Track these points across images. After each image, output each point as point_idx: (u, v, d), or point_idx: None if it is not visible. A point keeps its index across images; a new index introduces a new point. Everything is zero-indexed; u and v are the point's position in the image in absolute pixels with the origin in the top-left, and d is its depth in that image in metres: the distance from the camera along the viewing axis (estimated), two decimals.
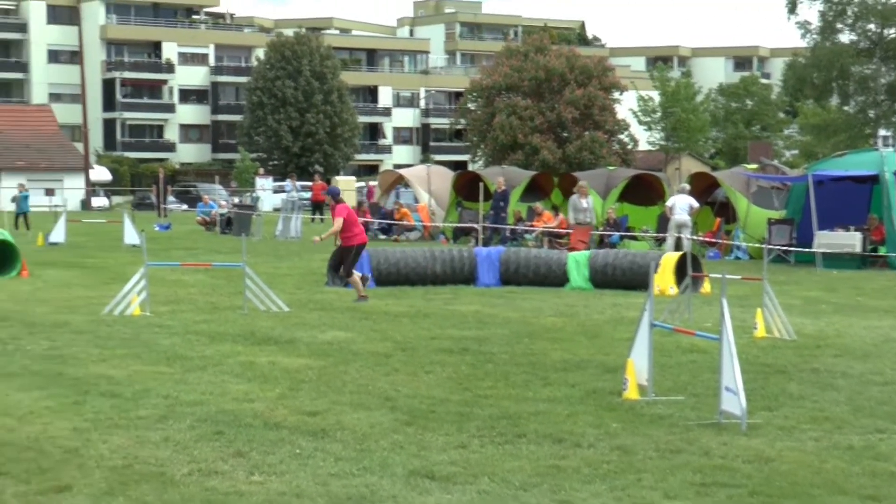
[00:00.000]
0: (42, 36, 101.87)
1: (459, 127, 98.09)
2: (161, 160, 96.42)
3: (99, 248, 33.61)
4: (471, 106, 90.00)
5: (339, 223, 20.60)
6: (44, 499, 7.93)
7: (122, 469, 8.70)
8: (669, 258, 23.03)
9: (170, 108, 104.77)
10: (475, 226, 36.22)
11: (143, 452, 9.23)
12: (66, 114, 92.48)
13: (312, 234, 42.39)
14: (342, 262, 20.88)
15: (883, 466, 9.18)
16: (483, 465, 9.05)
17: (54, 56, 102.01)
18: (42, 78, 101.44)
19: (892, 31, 76.27)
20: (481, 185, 37.54)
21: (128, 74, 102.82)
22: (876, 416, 11.01)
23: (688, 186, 33.94)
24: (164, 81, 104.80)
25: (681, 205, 31.76)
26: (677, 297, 19.33)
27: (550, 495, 8.26)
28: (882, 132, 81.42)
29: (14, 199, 44.56)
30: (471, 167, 77.37)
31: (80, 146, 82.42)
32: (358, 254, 20.93)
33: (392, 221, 41.28)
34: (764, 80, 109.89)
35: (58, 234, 34.94)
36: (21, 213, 42.73)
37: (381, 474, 8.74)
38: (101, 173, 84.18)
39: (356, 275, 20.74)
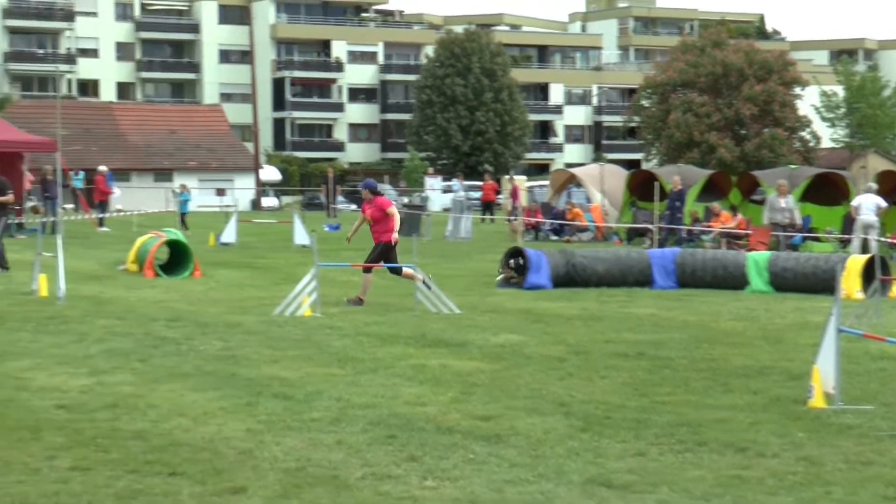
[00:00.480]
0: (213, 36, 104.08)
1: (633, 125, 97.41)
2: (330, 160, 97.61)
3: (269, 248, 34.18)
4: (645, 103, 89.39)
5: (396, 213, 20.24)
6: (219, 500, 8.07)
7: (295, 471, 8.81)
8: (856, 261, 22.56)
9: (339, 108, 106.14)
10: (650, 226, 35.92)
11: (317, 455, 9.34)
12: (237, 113, 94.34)
13: (482, 234, 42.61)
14: (382, 257, 20.11)
15: None
16: (662, 474, 8.95)
17: (225, 56, 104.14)
18: (213, 78, 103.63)
19: None
20: (656, 184, 37.17)
21: (297, 73, 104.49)
22: None
23: (875, 186, 33.17)
24: (334, 80, 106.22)
25: (867, 205, 31.05)
26: (864, 301, 18.92)
27: None
28: None
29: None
30: (645, 166, 76.86)
31: (250, 146, 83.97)
32: (387, 250, 20.21)
33: (564, 222, 41.20)
34: None
35: (229, 234, 35.58)
36: (182, 214, 43.38)
37: (557, 481, 8.71)
38: (270, 173, 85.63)
39: (369, 276, 20.13)
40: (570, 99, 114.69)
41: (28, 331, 16.10)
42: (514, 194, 48.75)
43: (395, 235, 20.16)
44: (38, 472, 8.69)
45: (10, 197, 24.52)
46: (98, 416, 10.54)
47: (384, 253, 20.17)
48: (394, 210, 20.14)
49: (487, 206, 54.31)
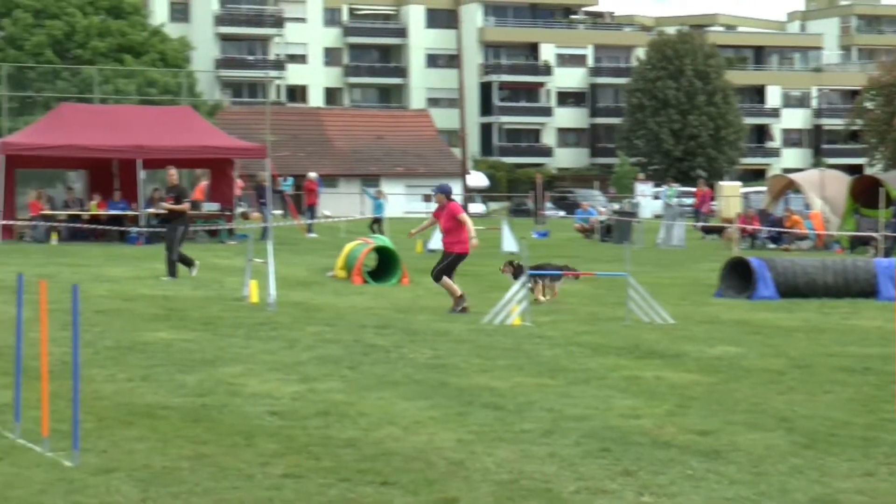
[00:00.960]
0: (421, 40, 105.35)
1: (855, 128, 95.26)
2: (537, 165, 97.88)
3: (478, 255, 34.25)
4: (868, 105, 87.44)
5: (469, 220, 19.87)
6: None
7: (508, 484, 8.82)
8: None
9: (547, 112, 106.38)
10: (875, 234, 35.07)
11: (529, 467, 9.33)
12: (444, 119, 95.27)
13: (695, 242, 42.14)
14: (451, 267, 19.98)
15: None
16: (893, 495, 8.71)
17: (432, 60, 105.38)
18: (420, 83, 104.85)
19: None
20: (882, 190, 36.33)
21: (505, 77, 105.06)
22: None
23: None
24: (542, 84, 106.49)
25: None
26: None
27: None
28: None
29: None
30: (868, 171, 75.06)
31: (457, 151, 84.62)
32: (456, 262, 20.06)
33: (782, 229, 40.51)
34: None
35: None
36: (377, 220, 43.31)
37: (781, 500, 8.54)
38: (478, 179, 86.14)
39: (447, 281, 19.84)
40: (788, 101, 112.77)
41: (239, 336, 16.48)
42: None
43: (475, 242, 20.03)
44: (252, 478, 8.87)
45: (185, 206, 25.09)
46: (309, 423, 10.71)
47: (454, 264, 20.06)
48: (465, 217, 19.85)
49: (699, 214, 53.73)
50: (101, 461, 9.24)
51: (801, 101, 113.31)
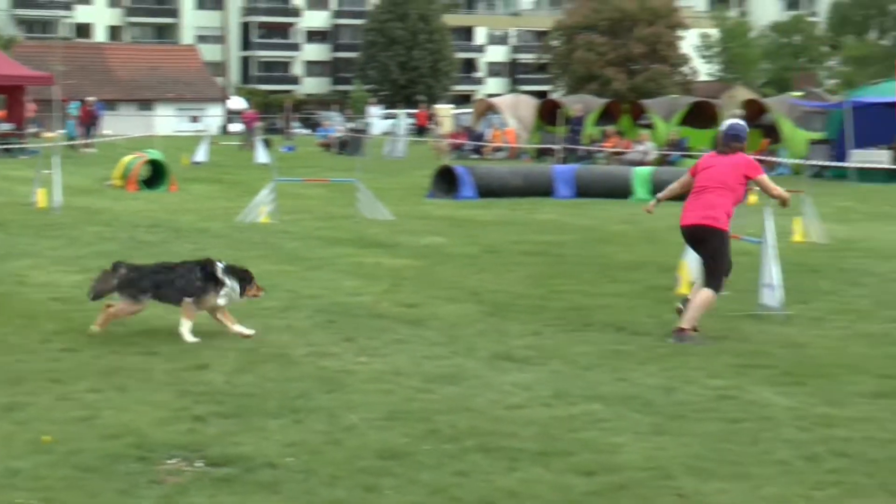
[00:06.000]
0: None
1: (544, 61, 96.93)
2: (288, 92, 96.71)
3: (235, 166, 33.92)
4: (554, 43, 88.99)
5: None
6: (187, 374, 8.09)
7: (250, 351, 8.84)
8: None
9: (296, 47, 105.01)
10: (555, 146, 35.99)
11: (269, 337, 9.38)
12: (210, 52, 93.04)
13: (415, 154, 42.43)
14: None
15: None
16: (554, 350, 9.08)
17: (201, 2, 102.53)
18: (191, 22, 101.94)
19: None
20: (560, 111, 37.26)
21: (262, 18, 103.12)
22: (894, 308, 10.86)
23: (740, 112, 33.43)
24: (292, 24, 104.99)
25: None
26: None
27: (611, 374, 8.28)
28: None
29: None
30: (552, 96, 76.68)
31: (221, 80, 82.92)
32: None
33: (482, 143, 41.18)
34: (811, 18, 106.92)
35: (200, 154, 35.26)
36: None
37: (468, 356, 8.81)
38: (237, 103, 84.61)
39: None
40: (492, 40, 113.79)
41: (28, 236, 15.96)
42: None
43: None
44: (35, 352, 8.68)
45: None
46: (87, 306, 10.47)
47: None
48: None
49: (421, 131, 54.04)
50: None
51: (502, 40, 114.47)
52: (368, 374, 8.18)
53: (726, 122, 10.21)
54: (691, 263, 11.69)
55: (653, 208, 10.97)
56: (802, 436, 6.70)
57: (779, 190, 9.94)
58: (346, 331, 9.66)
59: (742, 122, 10.20)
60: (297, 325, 9.92)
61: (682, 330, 9.47)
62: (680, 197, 10.27)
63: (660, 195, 10.76)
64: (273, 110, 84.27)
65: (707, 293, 9.64)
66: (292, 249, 14.97)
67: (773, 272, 10.35)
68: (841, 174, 29.20)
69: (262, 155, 34.55)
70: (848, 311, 10.75)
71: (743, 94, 57.63)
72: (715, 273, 9.71)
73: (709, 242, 9.73)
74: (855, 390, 7.79)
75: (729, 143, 9.91)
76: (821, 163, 30.07)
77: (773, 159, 32.88)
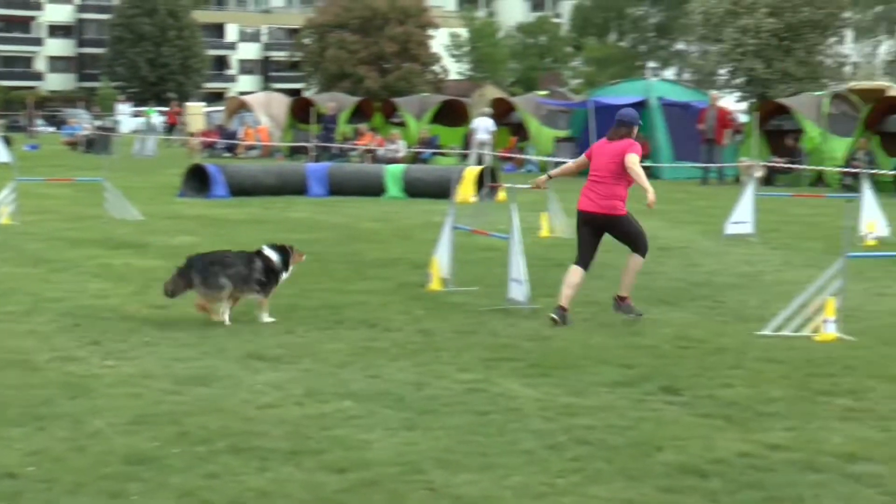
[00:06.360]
0: None
1: (296, 59, 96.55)
2: (30, 88, 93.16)
3: None
4: (306, 41, 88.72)
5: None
6: None
7: None
8: (471, 171, 23.22)
9: (39, 42, 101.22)
10: (308, 144, 35.91)
11: (10, 343, 9.03)
12: None
13: (167, 153, 41.55)
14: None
15: (637, 341, 9.48)
16: (306, 348, 9.07)
17: None
18: None
19: None
20: (313, 109, 37.22)
21: (0, 11, 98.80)
22: (634, 300, 11.24)
23: (489, 110, 34.22)
24: (33, 18, 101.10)
25: (482, 126, 32.03)
26: (477, 203, 19.56)
27: (362, 371, 8.33)
28: (650, 64, 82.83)
29: None
30: (305, 94, 76.47)
31: None
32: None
33: (236, 141, 40.71)
34: (556, 20, 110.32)
35: None
36: None
37: (219, 357, 8.70)
38: None
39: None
40: (244, 37, 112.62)
41: None
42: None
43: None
44: None
45: None
46: None
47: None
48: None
49: (171, 129, 53.00)
50: None
51: (254, 37, 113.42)
52: (115, 378, 7.97)
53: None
54: (442, 260, 11.89)
55: (543, 183, 11.51)
56: (547, 426, 6.92)
57: (643, 177, 10.30)
58: (92, 334, 9.39)
59: (630, 109, 10.74)
60: (40, 329, 9.58)
61: (623, 299, 10.41)
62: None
63: (553, 172, 11.52)
64: (15, 107, 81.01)
65: (638, 259, 10.46)
66: (35, 251, 14.42)
67: (520, 267, 10.62)
68: (586, 171, 30.21)
69: (2, 153, 33.10)
70: (591, 303, 11.13)
71: (492, 92, 59.03)
72: (636, 243, 10.45)
73: (616, 228, 10.42)
74: (597, 380, 8.09)
75: (617, 128, 10.53)
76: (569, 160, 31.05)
77: (522, 156, 33.80)
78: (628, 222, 10.43)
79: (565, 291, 10.26)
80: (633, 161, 10.19)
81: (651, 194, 10.19)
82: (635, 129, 10.54)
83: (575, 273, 10.35)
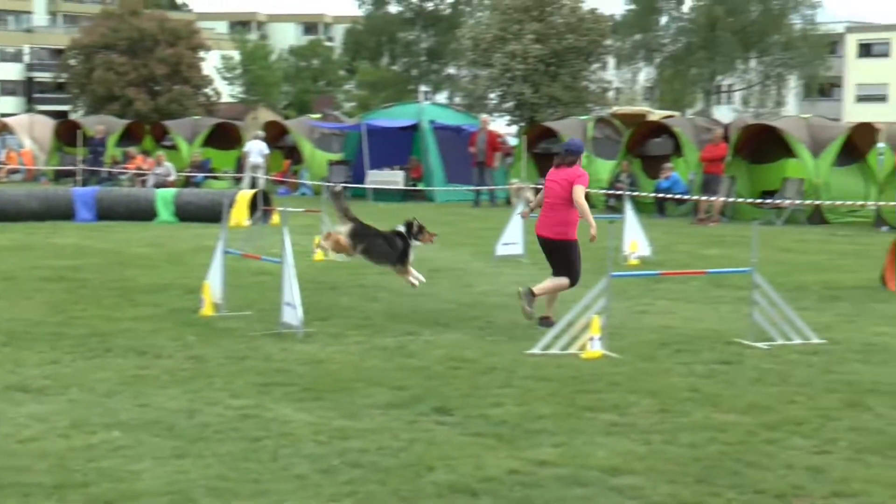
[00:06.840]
0: None
1: (61, 80, 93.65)
2: None
3: None
4: (72, 62, 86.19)
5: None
6: None
7: None
8: (244, 195, 23.00)
9: None
10: (75, 168, 34.85)
11: None
12: None
13: None
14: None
15: (410, 362, 9.57)
16: (73, 378, 8.80)
17: None
18: None
19: (429, 3, 78.95)
20: (79, 132, 36.19)
21: None
22: (407, 322, 11.44)
23: (262, 133, 34.02)
24: None
25: (256, 149, 31.80)
26: (250, 227, 19.40)
27: (132, 400, 8.13)
28: (422, 88, 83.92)
29: None
30: (72, 116, 74.27)
31: None
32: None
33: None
34: (328, 43, 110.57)
35: None
36: None
37: None
38: None
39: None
40: (4, 56, 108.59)
41: None
42: None
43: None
44: None
45: None
46: None
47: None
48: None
49: None
50: None
51: (16, 57, 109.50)
52: None
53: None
54: (214, 284, 11.74)
55: (527, 215, 12.49)
56: (320, 449, 6.91)
57: (587, 212, 10.96)
58: None
59: (576, 138, 11.24)
60: None
61: (546, 318, 11.04)
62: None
63: (532, 204, 12.37)
64: None
65: (563, 279, 11.14)
66: None
67: (293, 290, 10.57)
68: (359, 193, 30.38)
69: None
70: (365, 325, 11.19)
71: (265, 115, 58.74)
72: (569, 272, 11.13)
73: (561, 252, 11.12)
74: (370, 402, 8.12)
75: (565, 157, 11.15)
76: (342, 183, 31.13)
77: (296, 180, 33.71)
78: (573, 251, 11.15)
79: (544, 290, 11.13)
80: (579, 194, 10.88)
81: (593, 230, 10.85)
82: (581, 158, 11.38)
83: (560, 283, 11.17)
